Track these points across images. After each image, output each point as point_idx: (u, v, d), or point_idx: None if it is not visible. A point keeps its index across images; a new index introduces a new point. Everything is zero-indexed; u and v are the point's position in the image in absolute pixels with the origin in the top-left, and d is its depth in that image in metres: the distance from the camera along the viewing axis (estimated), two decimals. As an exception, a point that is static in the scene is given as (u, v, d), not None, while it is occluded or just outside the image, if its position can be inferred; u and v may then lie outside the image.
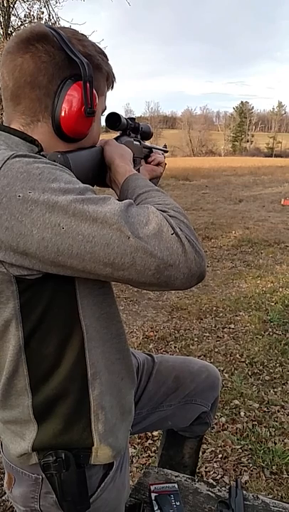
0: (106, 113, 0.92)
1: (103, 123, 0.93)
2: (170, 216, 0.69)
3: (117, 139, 0.97)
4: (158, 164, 1.13)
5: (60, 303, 0.72)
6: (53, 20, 7.90)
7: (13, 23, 8.16)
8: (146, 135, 1.11)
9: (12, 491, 0.86)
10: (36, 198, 0.62)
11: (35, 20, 7.82)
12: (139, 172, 1.01)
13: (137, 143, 1.04)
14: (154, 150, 1.14)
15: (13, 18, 8.13)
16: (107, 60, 0.83)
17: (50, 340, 0.73)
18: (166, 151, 1.24)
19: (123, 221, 0.63)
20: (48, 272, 0.67)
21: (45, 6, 7.89)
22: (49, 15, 7.94)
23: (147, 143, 1.14)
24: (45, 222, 0.62)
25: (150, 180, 0.99)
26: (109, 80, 0.84)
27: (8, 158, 0.64)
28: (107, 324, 0.80)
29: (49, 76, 0.74)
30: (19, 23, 8.14)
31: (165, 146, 1.26)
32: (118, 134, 1.02)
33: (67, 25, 7.81)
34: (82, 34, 0.80)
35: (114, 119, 0.96)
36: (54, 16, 7.99)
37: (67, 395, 0.77)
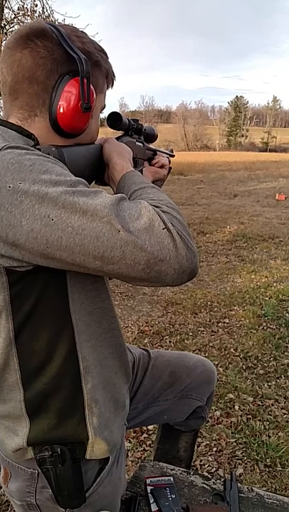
0: (106, 112, 0.92)
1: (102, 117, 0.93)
2: (163, 211, 0.69)
3: (118, 138, 0.97)
4: (162, 166, 1.12)
5: (50, 296, 0.72)
6: (46, 13, 7.81)
7: (6, 15, 8.06)
8: (151, 137, 1.10)
9: (8, 485, 0.86)
10: (26, 188, 0.62)
11: (29, 13, 7.74)
12: (141, 173, 1.01)
13: (140, 144, 1.04)
14: (158, 153, 1.14)
15: (6, 10, 8.03)
16: (107, 57, 0.83)
17: (41, 334, 0.73)
18: (172, 156, 1.23)
19: (113, 214, 0.63)
20: (38, 264, 0.67)
21: (38, -1, 7.79)
22: (43, 8, 7.84)
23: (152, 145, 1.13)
24: (34, 214, 0.62)
25: (153, 182, 0.99)
26: (109, 77, 0.84)
27: (0, 150, 0.64)
28: (100, 319, 0.80)
29: (47, 71, 0.74)
30: (12, 16, 8.04)
31: (171, 151, 1.25)
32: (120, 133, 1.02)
33: (61, 18, 7.74)
34: (82, 31, 0.80)
35: (115, 118, 0.96)
36: (48, 9, 7.89)
37: (59, 389, 0.77)
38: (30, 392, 0.76)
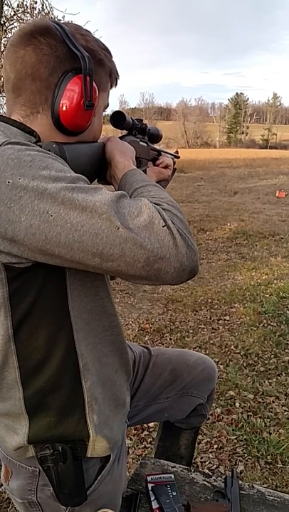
0: (109, 111, 0.92)
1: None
2: (163, 209, 0.69)
3: (121, 137, 0.97)
4: (166, 167, 1.12)
5: (49, 293, 0.72)
6: (46, 10, 7.78)
7: (5, 12, 8.04)
8: (155, 137, 1.10)
9: (9, 483, 0.86)
10: (26, 184, 0.61)
11: (28, 11, 7.71)
12: (145, 173, 1.00)
13: (144, 144, 1.04)
14: (163, 153, 1.13)
15: (5, 7, 8.00)
16: (111, 56, 0.83)
17: (40, 332, 0.73)
18: (178, 157, 1.23)
19: (113, 211, 0.63)
20: (37, 261, 0.67)
21: (38, -4, 7.75)
22: (42, 5, 7.82)
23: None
24: (33, 209, 0.61)
25: (157, 182, 0.99)
26: (112, 76, 0.84)
27: (0, 145, 0.64)
28: (99, 317, 0.80)
29: (50, 68, 0.74)
30: (12, 13, 8.02)
31: (177, 152, 1.25)
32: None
33: (60, 15, 7.72)
34: (86, 30, 0.80)
35: (118, 117, 0.96)
36: (47, 5, 7.86)
37: (59, 387, 0.77)
38: (30, 390, 0.76)
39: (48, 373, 0.75)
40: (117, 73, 0.85)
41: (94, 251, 0.63)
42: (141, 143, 1.02)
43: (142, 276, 0.67)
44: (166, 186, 1.13)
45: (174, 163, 1.17)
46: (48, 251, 0.64)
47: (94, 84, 0.76)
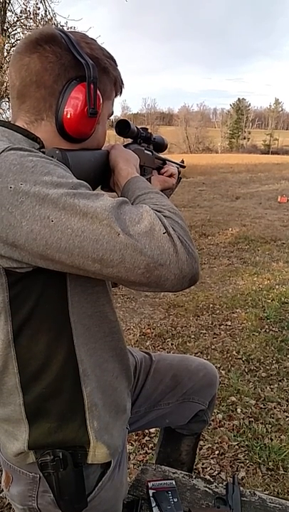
0: (112, 117, 0.92)
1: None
2: (164, 216, 0.69)
3: (126, 145, 0.98)
4: (171, 176, 1.12)
5: (50, 299, 0.72)
6: (49, 16, 7.86)
7: (9, 18, 8.11)
8: (160, 146, 1.10)
9: (10, 489, 0.86)
10: (27, 189, 0.62)
11: (31, 16, 7.78)
12: (150, 181, 1.01)
13: (149, 153, 1.04)
14: (168, 162, 1.14)
15: (9, 13, 8.08)
16: (116, 65, 0.84)
17: (40, 337, 0.73)
18: (183, 166, 1.23)
19: (114, 217, 0.63)
20: (38, 266, 0.67)
21: (41, 2, 7.84)
22: (45, 11, 7.90)
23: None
24: (34, 215, 0.62)
25: (162, 191, 1.00)
26: (117, 84, 0.85)
27: (3, 151, 0.65)
28: (100, 322, 0.80)
29: (55, 76, 0.74)
30: (15, 19, 8.09)
31: (182, 161, 1.25)
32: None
33: (63, 21, 7.79)
34: (91, 38, 0.81)
35: (123, 125, 0.97)
36: (50, 11, 7.94)
37: (60, 392, 0.77)
38: (30, 395, 0.76)
39: (48, 379, 0.75)
40: (122, 81, 0.86)
41: (94, 257, 0.64)
42: (145, 151, 1.02)
43: (142, 282, 0.67)
44: (171, 195, 1.13)
45: (179, 172, 1.18)
46: (48, 256, 0.64)
47: (98, 92, 0.77)
